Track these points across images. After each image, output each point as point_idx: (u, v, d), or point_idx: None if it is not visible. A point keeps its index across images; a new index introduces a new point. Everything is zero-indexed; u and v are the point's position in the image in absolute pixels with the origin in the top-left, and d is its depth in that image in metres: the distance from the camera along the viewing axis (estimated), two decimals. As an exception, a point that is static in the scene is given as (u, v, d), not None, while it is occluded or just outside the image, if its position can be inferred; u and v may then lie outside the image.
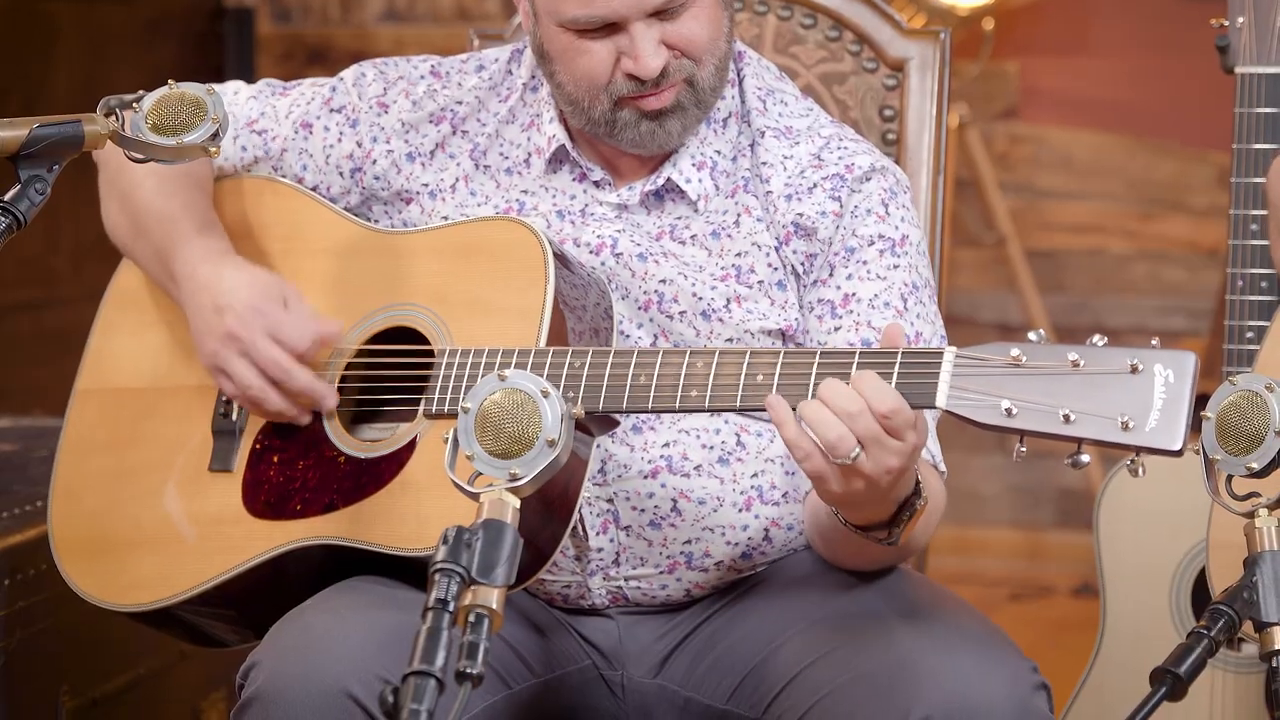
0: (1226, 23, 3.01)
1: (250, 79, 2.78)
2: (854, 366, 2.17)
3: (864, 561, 2.48)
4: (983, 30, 5.46)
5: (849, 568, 2.50)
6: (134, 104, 2.29)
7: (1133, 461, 2.07)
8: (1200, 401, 2.08)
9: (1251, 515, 2.13)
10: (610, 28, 2.47)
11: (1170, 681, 2.07)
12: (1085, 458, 2.06)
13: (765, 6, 3.02)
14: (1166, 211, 5.58)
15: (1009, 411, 2.07)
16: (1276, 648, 2.09)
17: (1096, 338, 2.08)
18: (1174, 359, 2.05)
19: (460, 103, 2.66)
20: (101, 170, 2.71)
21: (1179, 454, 2.04)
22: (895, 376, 2.15)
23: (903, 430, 2.15)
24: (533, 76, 2.65)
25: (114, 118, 2.28)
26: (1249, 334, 2.97)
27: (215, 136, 2.31)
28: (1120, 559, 3.14)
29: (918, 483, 2.29)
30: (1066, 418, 2.05)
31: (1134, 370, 2.05)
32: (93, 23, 5.13)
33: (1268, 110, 2.98)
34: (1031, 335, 2.10)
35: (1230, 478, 2.12)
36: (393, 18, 5.84)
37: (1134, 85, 5.52)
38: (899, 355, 2.15)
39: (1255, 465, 2.09)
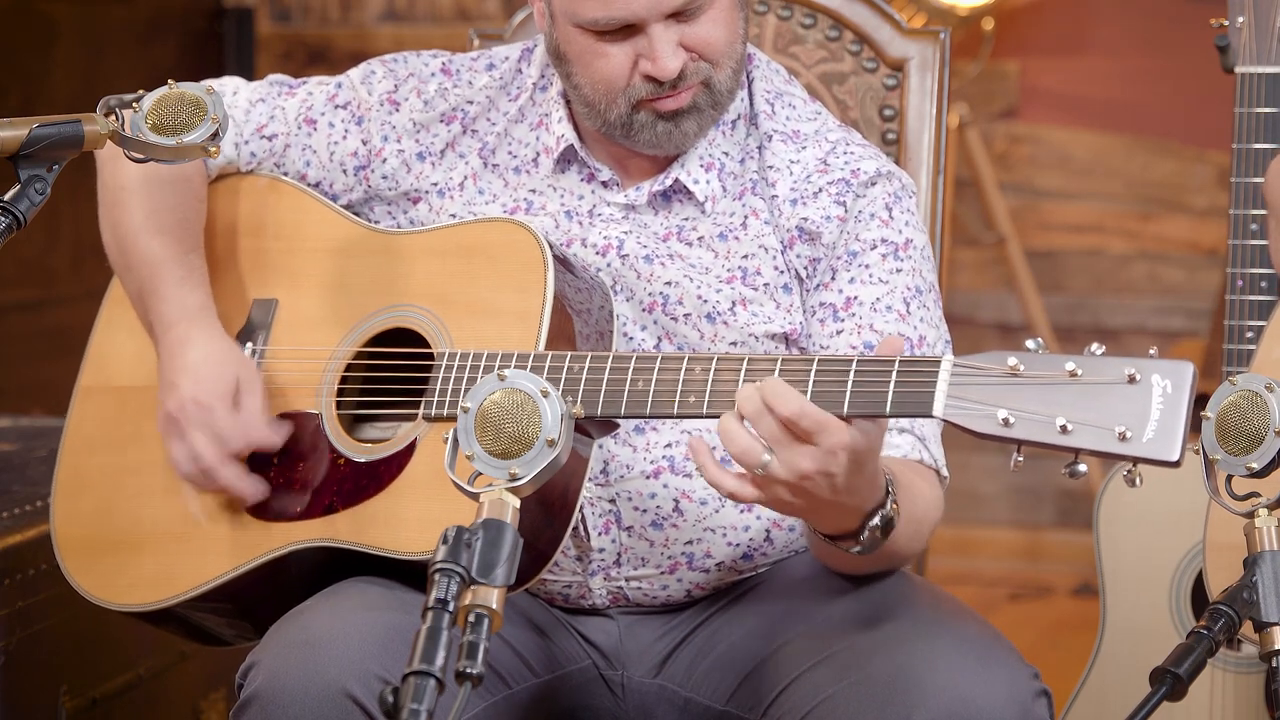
0: (1226, 23, 3.01)
1: (250, 79, 2.77)
2: (851, 372, 2.16)
3: (852, 568, 2.47)
4: (983, 30, 5.46)
5: (843, 573, 2.49)
6: (134, 104, 2.29)
7: (1130, 471, 2.06)
8: (1200, 401, 2.08)
9: (1251, 515, 2.12)
10: (628, 29, 2.47)
11: (1170, 681, 2.07)
12: (1083, 467, 2.06)
13: (765, 6, 3.02)
14: (1166, 211, 5.58)
15: (1006, 421, 2.06)
16: (1276, 648, 2.09)
17: (1094, 346, 2.07)
18: (1172, 369, 2.04)
19: (471, 102, 2.65)
20: (98, 180, 2.71)
21: (1177, 465, 2.02)
22: (892, 384, 2.14)
23: (813, 434, 2.13)
24: (542, 76, 2.65)
25: (114, 117, 2.28)
26: (1249, 334, 2.97)
27: (215, 136, 2.30)
28: (1120, 559, 3.14)
29: (888, 494, 2.28)
30: (1064, 428, 2.04)
31: (1131, 380, 2.04)
32: (92, 22, 5.13)
33: (1268, 110, 2.98)
34: (1030, 344, 2.09)
35: (1230, 478, 2.12)
36: (393, 18, 5.84)
37: (1133, 85, 5.52)
38: (896, 363, 2.15)
39: (1255, 465, 2.09)
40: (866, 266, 2.53)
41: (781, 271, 2.55)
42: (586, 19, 2.47)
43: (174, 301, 2.59)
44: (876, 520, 2.26)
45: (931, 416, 2.10)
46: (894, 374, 2.14)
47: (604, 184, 2.60)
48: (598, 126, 2.55)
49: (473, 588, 1.97)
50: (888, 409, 2.13)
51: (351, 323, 2.56)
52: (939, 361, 2.11)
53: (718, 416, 2.26)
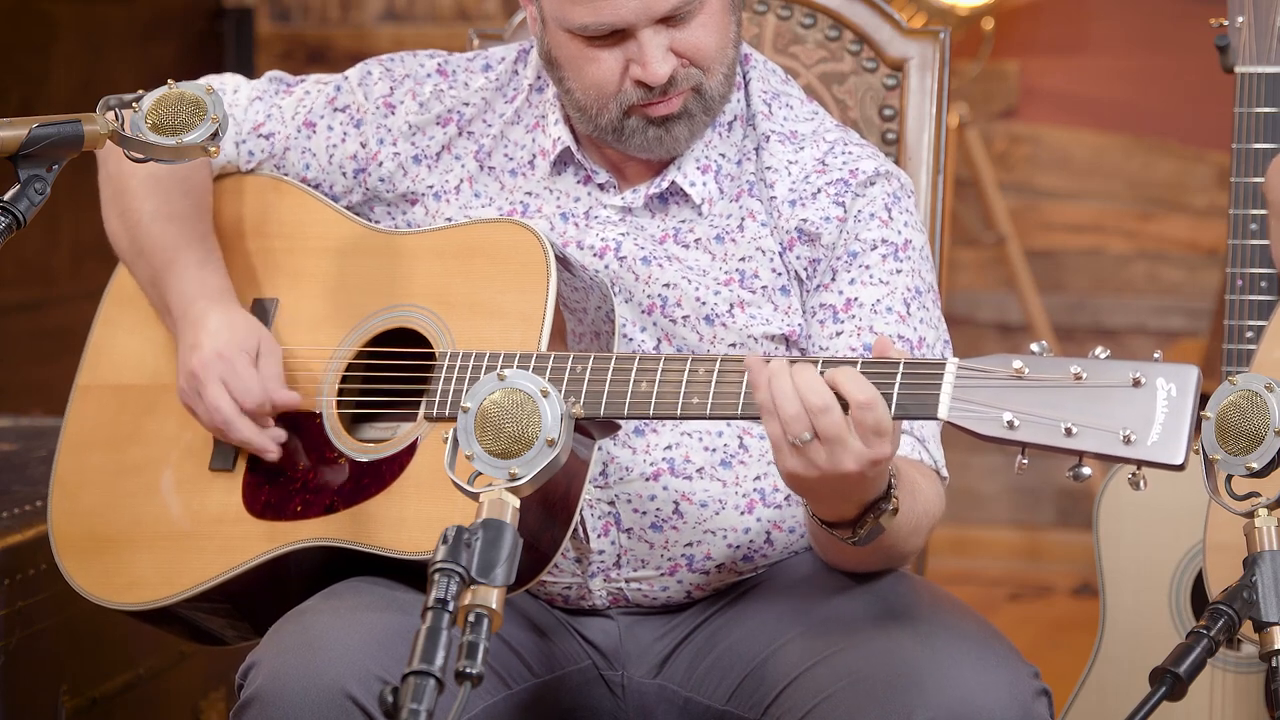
0: (1226, 22, 3.01)
1: (249, 79, 2.77)
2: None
3: (855, 563, 2.46)
4: (983, 30, 5.46)
5: (843, 569, 2.49)
6: (133, 103, 2.29)
7: (1134, 475, 2.06)
8: (1200, 401, 2.08)
9: (1251, 515, 2.13)
10: (618, 35, 2.47)
11: (1170, 681, 2.07)
12: (1087, 470, 2.06)
13: (765, 6, 3.02)
14: (1166, 211, 5.58)
15: (1011, 424, 2.06)
16: (1276, 647, 2.09)
17: (1099, 350, 2.07)
18: (1177, 372, 2.04)
19: (467, 104, 2.65)
20: (101, 170, 2.71)
21: (1181, 468, 2.03)
22: (897, 387, 2.14)
23: (876, 430, 2.12)
24: (539, 77, 2.65)
25: (114, 117, 2.28)
26: (1249, 334, 2.97)
27: (215, 136, 2.31)
28: (1120, 559, 3.14)
29: (890, 488, 2.28)
30: (1068, 430, 2.04)
31: (1136, 384, 2.04)
32: (92, 22, 5.13)
33: (1267, 110, 2.98)
34: (1034, 347, 2.09)
35: (1230, 477, 2.12)
36: (392, 18, 5.84)
37: (1133, 85, 5.53)
38: (901, 365, 2.15)
39: (1255, 465, 2.09)
40: (866, 267, 2.53)
41: (779, 273, 2.55)
42: (576, 24, 2.47)
43: (195, 282, 2.59)
44: (876, 512, 2.27)
45: (936, 419, 2.10)
46: (899, 376, 2.14)
47: (600, 186, 2.60)
48: (590, 131, 2.55)
49: (472, 587, 1.97)
50: (893, 411, 2.13)
51: (353, 322, 2.56)
52: (944, 364, 2.12)
53: (722, 419, 2.26)
